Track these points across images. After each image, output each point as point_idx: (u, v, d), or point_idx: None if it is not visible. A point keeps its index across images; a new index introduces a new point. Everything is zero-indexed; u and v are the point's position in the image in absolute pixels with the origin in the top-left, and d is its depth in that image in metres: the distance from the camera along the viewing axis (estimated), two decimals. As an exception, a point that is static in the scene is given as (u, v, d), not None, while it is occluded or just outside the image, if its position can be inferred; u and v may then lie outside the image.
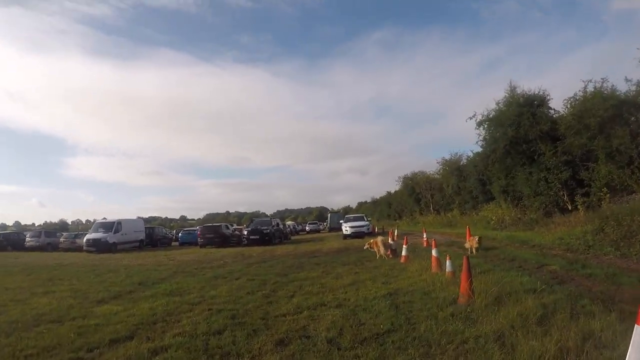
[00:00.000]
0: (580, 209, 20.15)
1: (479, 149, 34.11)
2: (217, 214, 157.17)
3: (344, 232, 31.15)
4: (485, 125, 26.64)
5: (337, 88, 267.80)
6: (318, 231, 62.53)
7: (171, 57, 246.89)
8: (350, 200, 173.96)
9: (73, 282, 12.55)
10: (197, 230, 35.86)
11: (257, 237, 29.19)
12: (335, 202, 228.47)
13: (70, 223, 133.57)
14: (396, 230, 25.64)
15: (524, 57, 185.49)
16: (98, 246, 28.84)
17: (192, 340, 5.42)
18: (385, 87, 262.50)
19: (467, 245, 15.18)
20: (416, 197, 54.72)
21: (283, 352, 4.80)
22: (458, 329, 5.22)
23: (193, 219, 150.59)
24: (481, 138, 27.68)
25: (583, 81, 21.85)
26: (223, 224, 33.77)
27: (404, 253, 12.78)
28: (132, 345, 5.32)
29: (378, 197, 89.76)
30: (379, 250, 14.85)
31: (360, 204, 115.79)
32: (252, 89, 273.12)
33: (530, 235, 19.03)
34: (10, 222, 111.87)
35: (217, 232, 30.73)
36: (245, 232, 30.50)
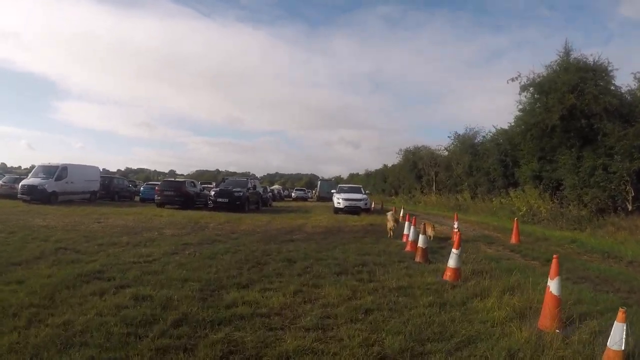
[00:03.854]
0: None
1: (502, 126, 29.02)
2: (207, 171, 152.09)
3: (336, 204, 25.39)
4: (531, 91, 20.77)
5: (336, 58, 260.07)
6: (305, 199, 56.88)
7: (171, 8, 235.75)
8: (341, 170, 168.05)
9: None
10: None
11: (226, 200, 23.16)
12: (327, 171, 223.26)
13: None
14: (402, 211, 19.94)
15: (526, 52, 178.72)
16: (34, 194, 23.26)
17: None
18: (384, 63, 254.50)
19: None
20: (417, 174, 49.06)
21: None
22: None
23: (182, 174, 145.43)
24: (520, 107, 21.91)
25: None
26: (188, 180, 27.67)
27: (452, 264, 7.01)
28: None
29: (372, 170, 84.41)
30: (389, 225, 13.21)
31: (352, 175, 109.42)
32: (251, 50, 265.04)
33: (593, 241, 13.53)
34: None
35: (179, 190, 24.64)
36: (213, 193, 24.48)
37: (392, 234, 13.14)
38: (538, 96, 20.53)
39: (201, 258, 8.35)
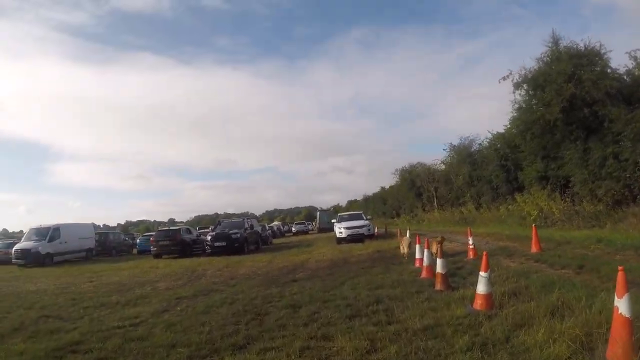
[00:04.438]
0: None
1: (498, 130, 28.35)
2: (206, 215, 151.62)
3: (338, 234, 24.32)
4: (525, 87, 20.05)
5: (318, 88, 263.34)
6: (306, 232, 55.43)
7: (152, 61, 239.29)
8: (339, 199, 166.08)
9: None
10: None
11: (224, 243, 22.07)
12: (324, 201, 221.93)
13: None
14: (408, 232, 18.75)
15: (505, 52, 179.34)
16: (27, 258, 23.04)
17: None
18: (365, 86, 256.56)
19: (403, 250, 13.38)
20: (417, 192, 48.11)
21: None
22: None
23: (182, 221, 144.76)
24: (516, 106, 21.16)
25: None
26: (183, 227, 26.78)
27: (483, 289, 5.79)
28: None
29: (370, 194, 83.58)
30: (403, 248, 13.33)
31: (351, 202, 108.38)
32: (234, 91, 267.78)
33: (619, 236, 12.51)
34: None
35: (175, 238, 23.71)
36: (209, 238, 23.41)
37: (406, 258, 12.57)
38: (533, 92, 19.70)
39: (194, 314, 7.31)
